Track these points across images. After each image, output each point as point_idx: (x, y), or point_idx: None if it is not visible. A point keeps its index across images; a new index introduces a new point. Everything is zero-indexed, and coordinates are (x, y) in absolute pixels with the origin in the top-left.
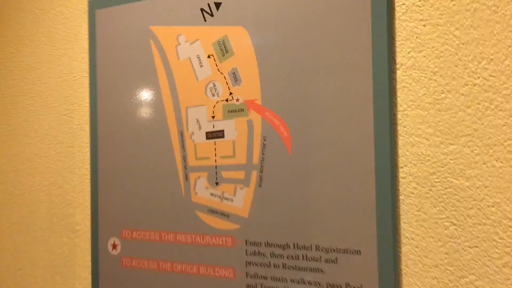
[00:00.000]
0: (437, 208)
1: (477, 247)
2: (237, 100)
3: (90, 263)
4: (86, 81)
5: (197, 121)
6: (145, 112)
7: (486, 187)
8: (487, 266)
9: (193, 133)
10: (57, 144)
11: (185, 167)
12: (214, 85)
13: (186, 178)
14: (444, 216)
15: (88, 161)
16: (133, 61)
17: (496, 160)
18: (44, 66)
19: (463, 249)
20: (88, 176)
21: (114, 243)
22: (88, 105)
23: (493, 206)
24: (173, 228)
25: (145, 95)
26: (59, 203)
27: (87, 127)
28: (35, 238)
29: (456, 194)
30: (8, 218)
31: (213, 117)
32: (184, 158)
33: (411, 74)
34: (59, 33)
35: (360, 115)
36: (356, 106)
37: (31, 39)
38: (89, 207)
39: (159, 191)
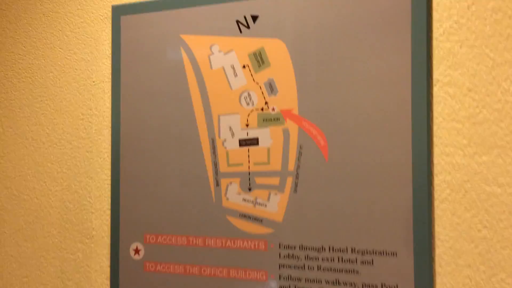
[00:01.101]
0: (471, 212)
1: (508, 248)
2: (273, 109)
3: (107, 269)
4: (107, 87)
5: (230, 128)
6: (173, 119)
7: None
8: None
9: (225, 140)
10: (72, 149)
11: (216, 173)
12: (249, 94)
13: (217, 183)
14: (477, 220)
15: (108, 166)
16: (161, 68)
17: None
18: (58, 69)
19: (495, 250)
20: (107, 182)
21: (136, 248)
22: (108, 110)
23: None
24: (202, 233)
25: (174, 102)
26: (73, 209)
27: (106, 132)
28: (44, 244)
29: (488, 200)
30: (13, 224)
31: (247, 125)
32: (215, 164)
33: (447, 90)
34: (77, 37)
35: (398, 126)
36: (394, 118)
37: (43, 42)
38: (107, 212)
39: (187, 196)
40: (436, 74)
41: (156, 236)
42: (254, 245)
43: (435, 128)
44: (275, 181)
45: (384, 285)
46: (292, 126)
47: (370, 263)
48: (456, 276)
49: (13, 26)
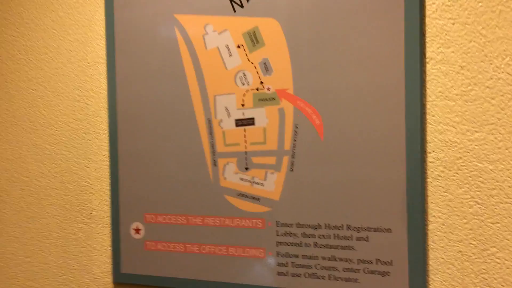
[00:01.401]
0: (463, 189)
1: (498, 223)
2: (268, 89)
3: (109, 248)
4: (102, 67)
5: (226, 109)
6: (169, 99)
7: (508, 169)
8: (507, 240)
9: (221, 120)
10: (69, 131)
11: (213, 153)
12: (244, 74)
13: (215, 163)
14: (469, 196)
15: (106, 148)
16: (156, 49)
17: None
18: (53, 51)
19: (486, 225)
20: (106, 163)
21: (137, 227)
22: (104, 91)
23: None
24: (200, 212)
25: (170, 82)
26: (73, 190)
27: (103, 114)
28: (46, 225)
29: (480, 177)
30: (14, 205)
31: (242, 105)
32: (212, 145)
33: (440, 68)
34: (70, 18)
35: (392, 104)
36: (388, 96)
37: (37, 23)
38: (107, 193)
39: (185, 176)
40: (429, 52)
41: (156, 216)
42: (252, 223)
43: (428, 106)
44: (272, 160)
45: (379, 261)
46: (287, 106)
47: (365, 239)
48: (448, 250)
49: (4, 7)
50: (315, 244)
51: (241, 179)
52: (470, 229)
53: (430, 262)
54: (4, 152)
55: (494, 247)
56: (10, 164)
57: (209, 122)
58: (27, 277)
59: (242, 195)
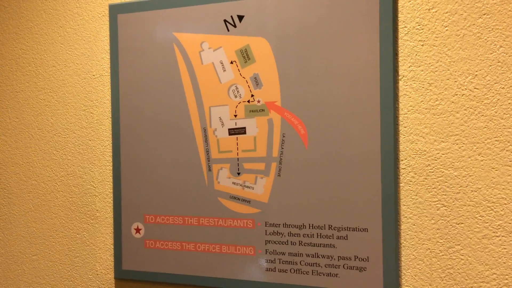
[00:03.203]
0: (431, 193)
1: (462, 223)
2: (258, 101)
3: (111, 246)
4: (106, 80)
5: (220, 119)
6: (168, 110)
7: (470, 176)
8: (470, 238)
9: (216, 129)
10: (75, 138)
11: (208, 159)
12: (237, 88)
13: (209, 169)
14: (437, 199)
15: (109, 154)
16: (156, 63)
17: (479, 155)
18: (60, 64)
19: (451, 225)
20: (109, 168)
21: (137, 227)
22: (108, 102)
23: (475, 191)
24: (196, 213)
25: (169, 94)
26: (78, 192)
27: (107, 122)
28: (52, 225)
29: (446, 182)
30: (22, 207)
31: (235, 115)
32: (207, 151)
33: (411, 85)
34: (76, 34)
35: (368, 116)
36: (365, 109)
37: (45, 38)
38: (110, 195)
39: (183, 180)
40: (401, 70)
41: (155, 217)
42: (244, 223)
43: (400, 118)
44: (261, 166)
45: (357, 257)
46: (275, 117)
47: (345, 238)
48: (418, 248)
49: (15, 22)
50: (300, 243)
51: (234, 183)
52: (438, 229)
53: (402, 259)
54: (14, 157)
55: (458, 245)
56: (20, 168)
57: (205, 131)
58: (34, 274)
59: (234, 198)
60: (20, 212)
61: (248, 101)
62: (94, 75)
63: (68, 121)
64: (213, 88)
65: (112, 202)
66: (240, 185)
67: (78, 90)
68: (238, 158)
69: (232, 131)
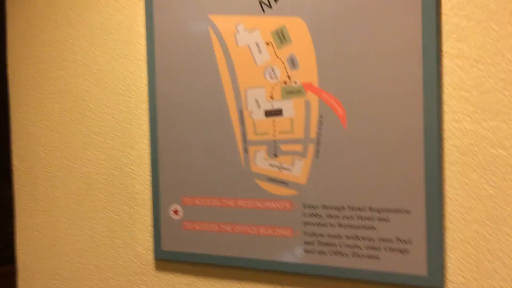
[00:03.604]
0: (478, 173)
1: (511, 204)
2: (295, 82)
3: (150, 228)
4: (143, 64)
5: (256, 101)
6: (204, 93)
7: None
8: None
9: (252, 111)
10: (114, 122)
11: (244, 141)
12: (273, 69)
13: (246, 151)
14: (484, 180)
15: (147, 137)
16: (192, 47)
17: None
18: (98, 49)
19: (500, 207)
20: (147, 151)
21: (175, 209)
22: (145, 86)
23: None
24: (233, 195)
25: (205, 77)
26: (118, 175)
27: (144, 106)
28: (93, 207)
29: (494, 162)
30: (64, 189)
31: (271, 97)
32: (244, 134)
33: (456, 62)
34: (113, 20)
35: (410, 95)
36: (406, 88)
37: (83, 24)
38: (148, 178)
39: (219, 163)
40: (445, 47)
41: (193, 199)
42: (281, 205)
43: (444, 97)
44: (299, 147)
45: (399, 239)
46: (313, 98)
47: (386, 220)
48: (464, 230)
49: (54, 10)
50: (339, 224)
51: (271, 164)
52: (485, 211)
53: (447, 241)
54: (55, 141)
55: (508, 227)
56: (61, 152)
57: (241, 113)
58: (76, 254)
59: (271, 180)
60: (63, 194)
61: (285, 83)
62: (131, 60)
63: (106, 105)
64: (248, 70)
65: (150, 184)
66: (277, 166)
67: (115, 75)
68: (275, 140)
69: (269, 113)
